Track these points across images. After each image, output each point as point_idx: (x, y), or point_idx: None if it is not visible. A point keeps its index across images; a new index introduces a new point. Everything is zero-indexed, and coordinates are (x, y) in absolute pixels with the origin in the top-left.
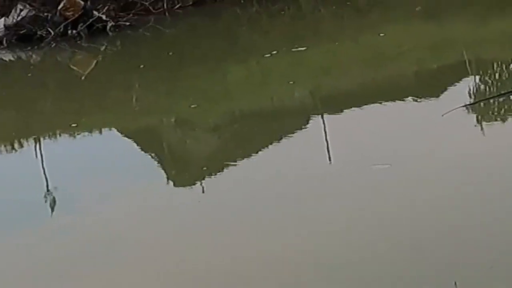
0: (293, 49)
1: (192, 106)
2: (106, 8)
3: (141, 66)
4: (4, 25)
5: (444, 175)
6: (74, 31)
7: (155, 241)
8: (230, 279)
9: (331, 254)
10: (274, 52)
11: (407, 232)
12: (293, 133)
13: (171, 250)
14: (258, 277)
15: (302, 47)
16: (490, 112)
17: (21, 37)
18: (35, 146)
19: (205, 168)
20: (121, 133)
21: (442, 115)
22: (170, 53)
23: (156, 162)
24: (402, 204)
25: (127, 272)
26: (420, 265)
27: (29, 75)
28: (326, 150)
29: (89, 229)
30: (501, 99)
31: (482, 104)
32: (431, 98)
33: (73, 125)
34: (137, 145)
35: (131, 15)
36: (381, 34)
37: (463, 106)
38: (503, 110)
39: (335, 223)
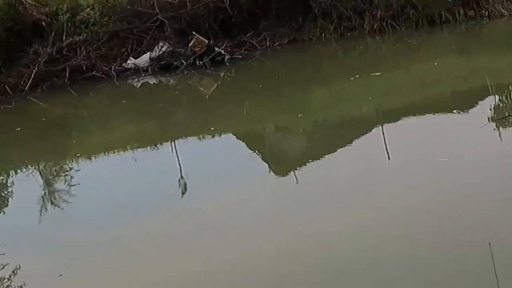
0: (371, 74)
1: (299, 115)
2: (224, 45)
3: (260, 86)
4: (150, 57)
5: (488, 165)
6: (200, 62)
7: (264, 219)
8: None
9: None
10: (353, 77)
11: (449, 200)
12: (361, 137)
13: (275, 225)
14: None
15: (374, 73)
16: None
17: (162, 66)
18: (172, 146)
19: (297, 163)
20: (235, 136)
21: (481, 127)
22: (280, 77)
23: (260, 158)
24: (449, 186)
25: (243, 241)
26: (457, 227)
27: (176, 92)
28: (385, 150)
29: (211, 208)
30: None
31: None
32: (465, 112)
33: (212, 128)
34: (246, 144)
35: (242, 50)
36: (435, 63)
37: (500, 119)
38: None
39: (399, 201)
